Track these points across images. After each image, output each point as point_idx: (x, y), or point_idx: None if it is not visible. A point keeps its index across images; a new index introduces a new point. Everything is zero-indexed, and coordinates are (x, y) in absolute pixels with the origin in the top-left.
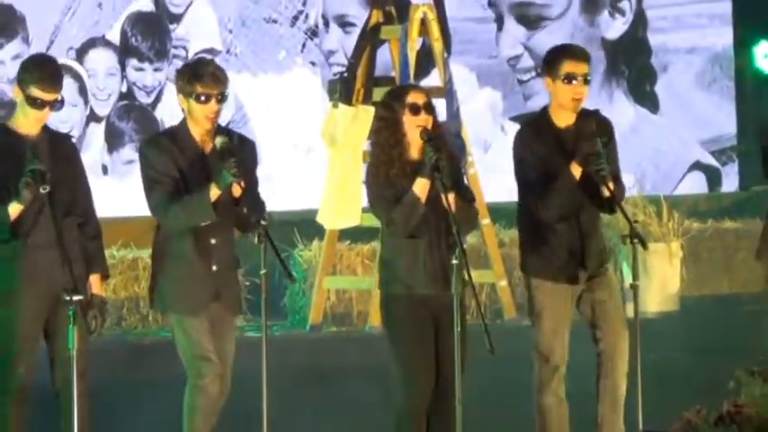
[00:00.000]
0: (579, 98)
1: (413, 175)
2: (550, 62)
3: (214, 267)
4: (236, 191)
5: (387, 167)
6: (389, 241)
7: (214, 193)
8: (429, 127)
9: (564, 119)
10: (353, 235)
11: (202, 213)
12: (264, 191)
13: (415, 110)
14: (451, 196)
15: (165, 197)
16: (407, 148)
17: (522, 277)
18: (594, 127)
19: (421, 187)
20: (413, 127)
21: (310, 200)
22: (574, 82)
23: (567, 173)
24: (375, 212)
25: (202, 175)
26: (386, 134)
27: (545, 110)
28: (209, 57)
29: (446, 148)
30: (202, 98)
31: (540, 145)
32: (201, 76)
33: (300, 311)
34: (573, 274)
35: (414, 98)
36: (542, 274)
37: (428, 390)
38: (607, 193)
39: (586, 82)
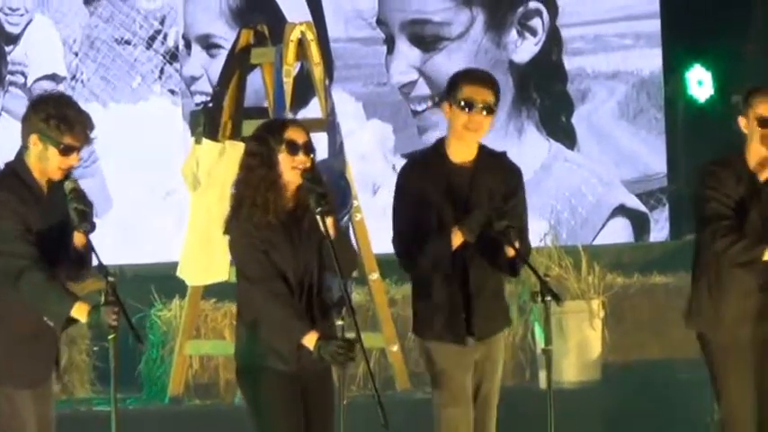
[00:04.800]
0: (475, 129)
1: (282, 227)
2: (450, 86)
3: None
4: (80, 239)
5: (260, 213)
6: (250, 301)
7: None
8: (308, 168)
9: (461, 153)
10: (220, 292)
11: (52, 316)
12: (117, 240)
13: (294, 148)
14: (330, 221)
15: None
16: (283, 193)
17: (415, 340)
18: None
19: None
20: (289, 168)
21: (170, 251)
22: (472, 109)
23: (445, 237)
24: (241, 269)
25: (41, 222)
26: (260, 173)
27: (440, 143)
28: (61, 93)
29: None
30: (67, 150)
31: (428, 184)
32: (73, 126)
33: (158, 381)
34: (458, 335)
35: (293, 135)
36: (428, 335)
37: None
38: (512, 253)
39: (488, 111)
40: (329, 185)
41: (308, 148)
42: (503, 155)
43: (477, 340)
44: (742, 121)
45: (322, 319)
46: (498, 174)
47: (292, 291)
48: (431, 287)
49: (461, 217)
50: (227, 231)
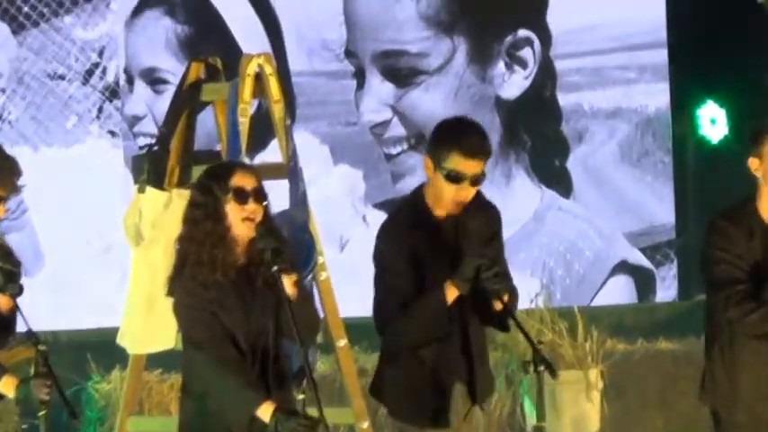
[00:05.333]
0: (462, 201)
1: (232, 286)
2: (436, 146)
3: None
4: (6, 303)
5: (207, 271)
6: (197, 370)
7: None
8: (259, 219)
9: (443, 207)
10: (166, 362)
11: None
12: (49, 303)
13: (242, 197)
14: (288, 280)
15: None
16: (232, 248)
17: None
18: (482, 223)
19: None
20: (239, 220)
21: (109, 315)
22: (460, 183)
23: (438, 292)
24: (185, 334)
25: None
26: (206, 227)
27: (419, 195)
28: None
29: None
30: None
31: (417, 244)
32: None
33: None
34: (443, 416)
35: (240, 181)
36: (410, 417)
37: None
38: (500, 307)
39: (475, 183)
40: (290, 239)
41: (259, 195)
42: (478, 194)
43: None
44: (753, 163)
45: (278, 390)
46: (480, 216)
47: (244, 357)
48: (414, 355)
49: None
50: (170, 292)
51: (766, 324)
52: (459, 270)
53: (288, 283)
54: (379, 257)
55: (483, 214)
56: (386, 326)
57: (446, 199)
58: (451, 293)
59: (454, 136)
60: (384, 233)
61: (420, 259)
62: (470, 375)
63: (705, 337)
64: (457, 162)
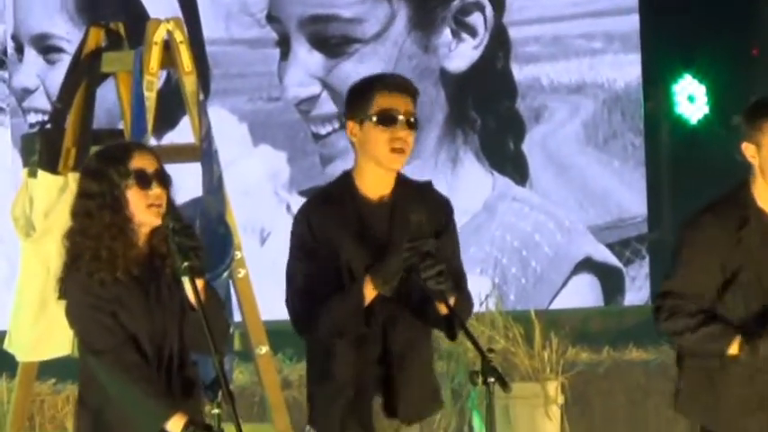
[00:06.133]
0: (401, 148)
1: (134, 282)
2: (355, 98)
3: None
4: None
5: (106, 269)
6: (94, 379)
7: None
8: (164, 206)
9: (376, 186)
10: (61, 371)
11: None
12: None
13: (145, 181)
14: (200, 283)
15: None
16: (134, 241)
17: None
18: (422, 214)
19: None
20: (143, 207)
21: None
22: (393, 123)
23: (355, 288)
24: (83, 338)
25: None
26: (103, 219)
27: (347, 174)
28: None
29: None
30: None
31: (335, 229)
32: None
33: None
34: (366, 421)
35: (141, 162)
36: (327, 427)
37: None
38: (445, 311)
39: (411, 125)
40: (203, 231)
41: (163, 179)
42: (427, 185)
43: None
44: (748, 149)
45: (185, 399)
46: (427, 207)
47: (148, 362)
48: (331, 360)
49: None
50: (62, 295)
51: (704, 344)
52: (382, 266)
53: (200, 287)
54: (292, 241)
55: (427, 206)
56: (297, 321)
57: (383, 150)
58: (370, 292)
59: (374, 78)
60: (298, 214)
61: (335, 248)
62: (387, 387)
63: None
64: (383, 100)
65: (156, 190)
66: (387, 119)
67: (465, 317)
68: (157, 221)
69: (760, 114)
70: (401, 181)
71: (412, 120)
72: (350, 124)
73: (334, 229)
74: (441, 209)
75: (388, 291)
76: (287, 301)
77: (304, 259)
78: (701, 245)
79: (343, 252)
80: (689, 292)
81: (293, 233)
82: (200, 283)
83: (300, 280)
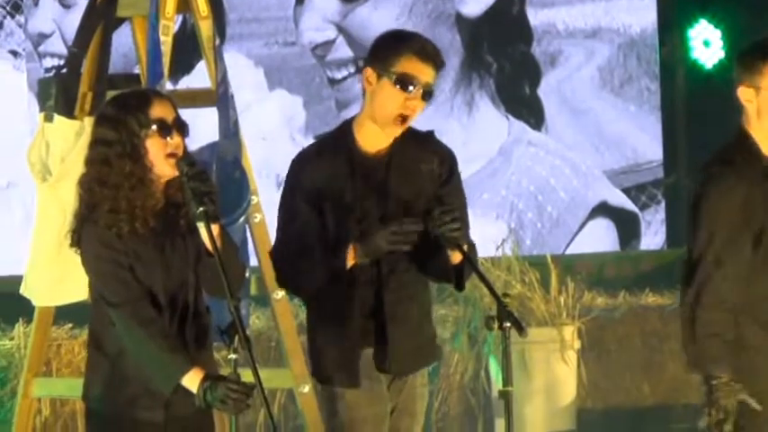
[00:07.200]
0: (408, 115)
1: (151, 234)
2: (383, 48)
3: None
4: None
5: (126, 220)
6: (113, 332)
7: None
8: (181, 154)
9: (374, 141)
10: (78, 315)
11: None
12: None
13: (166, 130)
14: (216, 228)
15: None
16: (153, 191)
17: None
18: (432, 162)
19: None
20: (162, 157)
21: (11, 262)
22: (410, 89)
23: (340, 251)
24: (100, 290)
25: None
26: (122, 168)
27: (347, 124)
28: None
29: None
30: None
31: (325, 182)
32: None
33: None
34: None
35: (161, 111)
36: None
37: None
38: (457, 259)
39: (426, 97)
40: (219, 176)
41: (182, 127)
42: (429, 135)
43: (394, 378)
44: (744, 93)
45: (197, 349)
46: (430, 158)
47: (161, 313)
48: (325, 311)
49: (372, 226)
50: (75, 243)
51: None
52: (368, 241)
53: (216, 233)
54: (283, 193)
55: (435, 157)
56: (279, 275)
57: (389, 113)
58: (351, 259)
59: (406, 38)
60: (291, 166)
61: (324, 203)
62: (380, 342)
63: (683, 293)
64: (410, 64)
65: (176, 139)
66: (406, 83)
67: (476, 264)
68: (174, 172)
69: (760, 56)
70: (403, 132)
71: (429, 91)
72: (368, 71)
73: (326, 184)
74: (445, 160)
75: (367, 262)
76: (272, 251)
77: (293, 215)
78: (727, 201)
79: (331, 210)
80: (725, 258)
81: (286, 187)
82: (215, 228)
83: (287, 235)
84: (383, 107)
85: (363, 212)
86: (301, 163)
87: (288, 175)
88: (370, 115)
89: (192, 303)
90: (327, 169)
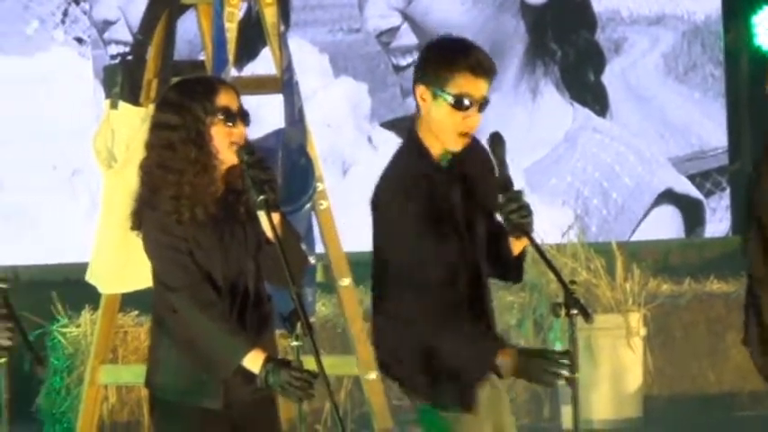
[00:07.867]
0: (469, 131)
1: (211, 221)
2: (435, 65)
3: None
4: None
5: (187, 206)
6: (175, 319)
7: None
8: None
9: (444, 155)
10: (144, 302)
11: None
12: (8, 235)
13: (231, 117)
14: (276, 216)
15: None
16: (215, 178)
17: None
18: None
19: None
20: (226, 145)
21: (77, 249)
22: (466, 108)
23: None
24: (161, 275)
25: None
26: (187, 154)
27: (417, 143)
28: None
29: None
30: None
31: (431, 195)
32: None
33: (62, 419)
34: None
35: (227, 100)
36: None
37: None
38: (519, 249)
39: (482, 109)
40: (285, 163)
41: (245, 116)
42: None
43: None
44: None
45: (259, 336)
46: (476, 160)
47: (221, 298)
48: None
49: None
50: (135, 226)
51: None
52: (528, 364)
53: (276, 221)
54: (395, 217)
55: (477, 155)
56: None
57: (449, 132)
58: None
59: (457, 52)
60: (395, 193)
61: (438, 215)
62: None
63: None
64: (465, 82)
65: (240, 128)
66: (462, 103)
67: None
68: (235, 160)
69: None
70: None
71: (485, 102)
72: (421, 88)
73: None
74: (488, 156)
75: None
76: (385, 275)
77: (421, 242)
78: None
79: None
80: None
81: (401, 210)
82: (276, 216)
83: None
84: (442, 127)
85: (470, 229)
86: (416, 185)
87: (401, 200)
88: (429, 130)
89: (253, 291)
90: (431, 189)
